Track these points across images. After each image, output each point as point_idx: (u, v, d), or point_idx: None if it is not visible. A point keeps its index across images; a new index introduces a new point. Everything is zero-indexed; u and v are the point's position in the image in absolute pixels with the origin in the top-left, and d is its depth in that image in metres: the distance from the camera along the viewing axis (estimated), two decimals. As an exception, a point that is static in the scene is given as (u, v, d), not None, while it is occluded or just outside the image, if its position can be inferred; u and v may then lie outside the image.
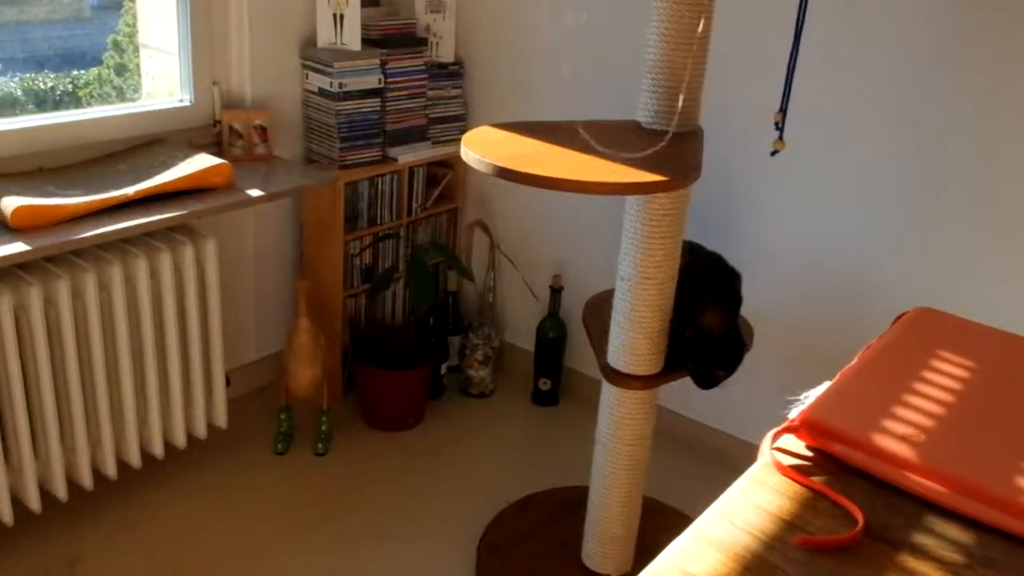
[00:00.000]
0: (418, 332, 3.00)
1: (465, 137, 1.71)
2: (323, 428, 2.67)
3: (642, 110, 1.83)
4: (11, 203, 1.92)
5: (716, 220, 2.57)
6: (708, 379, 1.88)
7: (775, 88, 1.92)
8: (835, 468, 0.96)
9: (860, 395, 1.04)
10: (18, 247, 1.85)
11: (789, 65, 1.74)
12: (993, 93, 2.06)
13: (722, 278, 2.00)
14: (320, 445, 2.67)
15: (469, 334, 3.01)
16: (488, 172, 1.58)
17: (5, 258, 1.83)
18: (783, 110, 1.79)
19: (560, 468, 2.69)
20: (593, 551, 2.16)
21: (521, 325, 3.16)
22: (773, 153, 1.87)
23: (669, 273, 1.85)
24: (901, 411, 1.01)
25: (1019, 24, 1.99)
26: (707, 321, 1.85)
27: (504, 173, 1.55)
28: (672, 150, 1.71)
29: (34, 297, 1.98)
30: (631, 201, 1.82)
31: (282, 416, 2.66)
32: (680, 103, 1.74)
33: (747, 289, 2.07)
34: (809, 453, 0.98)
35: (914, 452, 0.94)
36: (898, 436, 0.97)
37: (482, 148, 1.65)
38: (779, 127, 1.81)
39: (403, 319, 3.08)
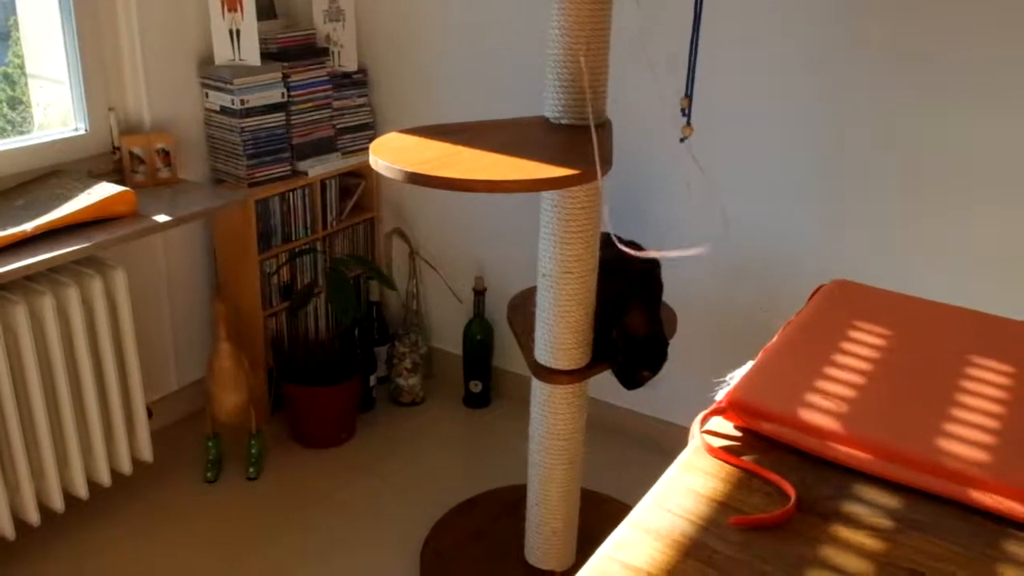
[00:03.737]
0: (343, 346, 2.96)
1: (373, 145, 1.69)
2: (253, 452, 2.62)
3: (549, 105, 1.83)
4: (-99, 248, 1.83)
5: (631, 209, 2.59)
6: (633, 380, 1.90)
7: (679, 73, 1.94)
8: (764, 446, 0.97)
9: (784, 372, 1.06)
10: (-88, 294, 1.77)
11: (691, 49, 1.76)
12: (905, 65, 2.12)
13: (641, 268, 2.01)
14: (251, 469, 2.62)
15: (395, 343, 2.99)
16: (398, 179, 1.56)
17: (-101, 306, 1.74)
18: (688, 95, 1.81)
19: (497, 468, 2.68)
20: (535, 548, 2.16)
21: (447, 329, 3.15)
22: (682, 139, 1.89)
23: (589, 266, 1.86)
24: (824, 384, 1.03)
25: (905, -3, 2.05)
26: (631, 323, 1.86)
27: (415, 178, 1.54)
28: (582, 143, 1.71)
29: (-65, 344, 1.90)
30: (546, 197, 1.82)
31: (209, 443, 2.59)
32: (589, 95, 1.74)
33: (666, 274, 2.09)
34: (738, 433, 0.99)
35: (840, 423, 0.96)
36: (823, 409, 0.98)
37: (391, 155, 1.63)
38: (686, 112, 1.83)
39: (327, 334, 3.04)
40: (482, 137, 1.76)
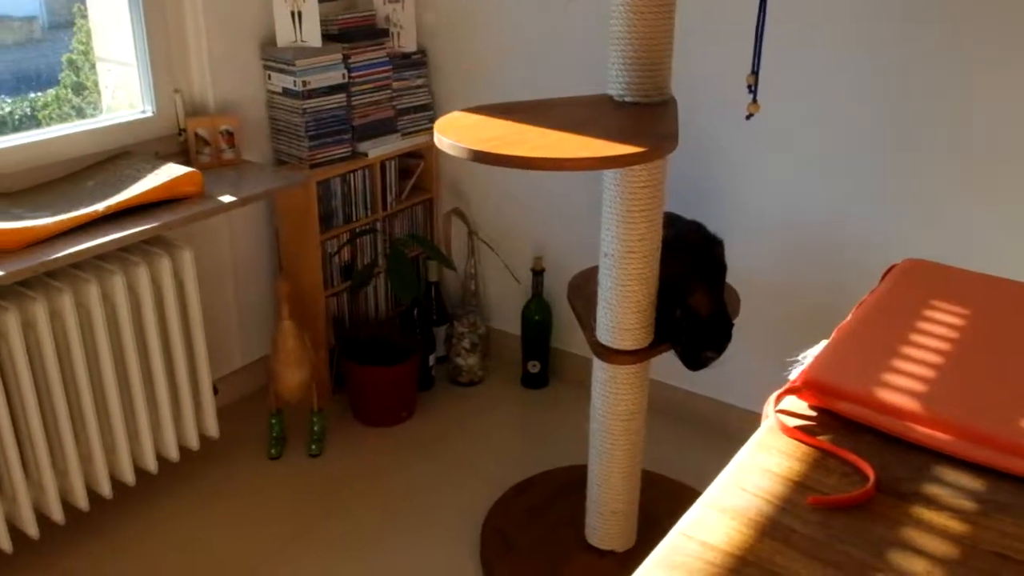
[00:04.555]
0: (403, 325, 2.98)
1: (438, 124, 1.69)
2: (315, 429, 2.66)
3: (612, 83, 1.81)
4: (-20, 228, 1.89)
5: (694, 188, 2.57)
6: (697, 361, 1.88)
7: (745, 51, 1.91)
8: (840, 425, 0.95)
9: (859, 351, 1.04)
10: (-9, 272, 1.82)
11: (758, 26, 1.73)
12: (962, 41, 2.07)
13: (704, 248, 1.99)
14: (314, 446, 2.65)
15: (454, 323, 3.00)
16: (463, 156, 1.56)
17: (-21, 284, 1.80)
18: (755, 72, 1.78)
19: (556, 449, 2.68)
20: (596, 528, 2.16)
21: (506, 310, 3.15)
22: (748, 116, 1.86)
23: (653, 245, 1.84)
24: (901, 363, 1.01)
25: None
26: (695, 302, 1.84)
27: (480, 156, 1.54)
28: (647, 121, 1.69)
29: (11, 322, 1.95)
30: (609, 176, 1.81)
31: (273, 420, 2.64)
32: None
33: (730, 255, 2.07)
34: (813, 413, 0.98)
35: (919, 403, 0.94)
36: (901, 388, 0.96)
37: (455, 133, 1.63)
38: (752, 89, 1.80)
39: (387, 314, 3.06)
40: (546, 116, 1.75)
